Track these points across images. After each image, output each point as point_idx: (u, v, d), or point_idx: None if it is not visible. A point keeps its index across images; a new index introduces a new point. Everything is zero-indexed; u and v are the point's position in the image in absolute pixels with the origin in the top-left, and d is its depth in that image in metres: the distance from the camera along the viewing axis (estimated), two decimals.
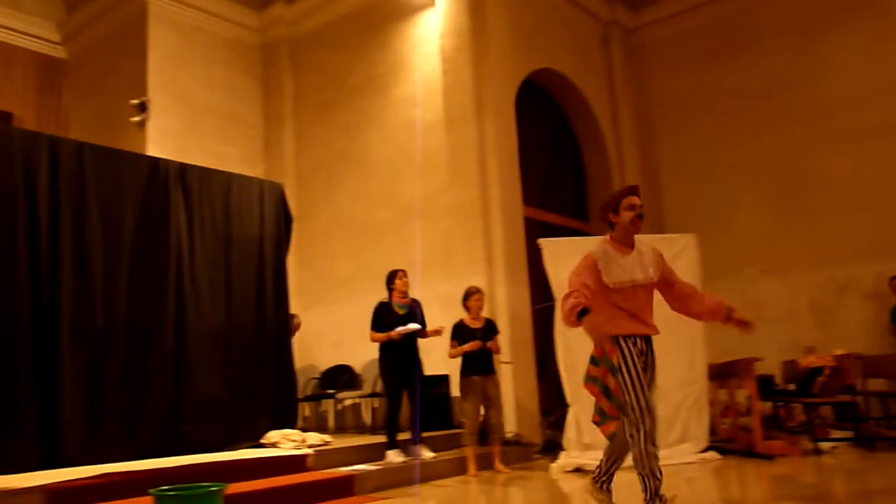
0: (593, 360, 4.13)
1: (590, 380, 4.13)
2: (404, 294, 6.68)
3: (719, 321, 4.23)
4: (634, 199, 4.08)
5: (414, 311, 6.68)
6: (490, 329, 6.81)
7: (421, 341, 6.70)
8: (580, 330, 7.44)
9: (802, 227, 9.68)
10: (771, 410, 8.32)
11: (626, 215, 4.06)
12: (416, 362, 6.64)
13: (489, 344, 6.63)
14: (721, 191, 10.41)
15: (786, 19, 10.07)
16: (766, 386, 8.02)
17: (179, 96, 9.38)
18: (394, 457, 6.25)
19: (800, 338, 9.19)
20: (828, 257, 9.38)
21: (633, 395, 3.86)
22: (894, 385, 8.28)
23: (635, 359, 3.95)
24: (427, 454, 6.45)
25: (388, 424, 6.42)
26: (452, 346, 6.67)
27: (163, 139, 8.97)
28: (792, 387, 7.87)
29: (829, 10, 9.73)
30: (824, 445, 6.94)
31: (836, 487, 5.14)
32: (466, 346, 6.54)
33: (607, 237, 4.20)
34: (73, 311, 5.60)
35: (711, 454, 6.73)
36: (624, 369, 3.92)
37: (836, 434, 7.50)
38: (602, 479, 4.21)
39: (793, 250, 9.69)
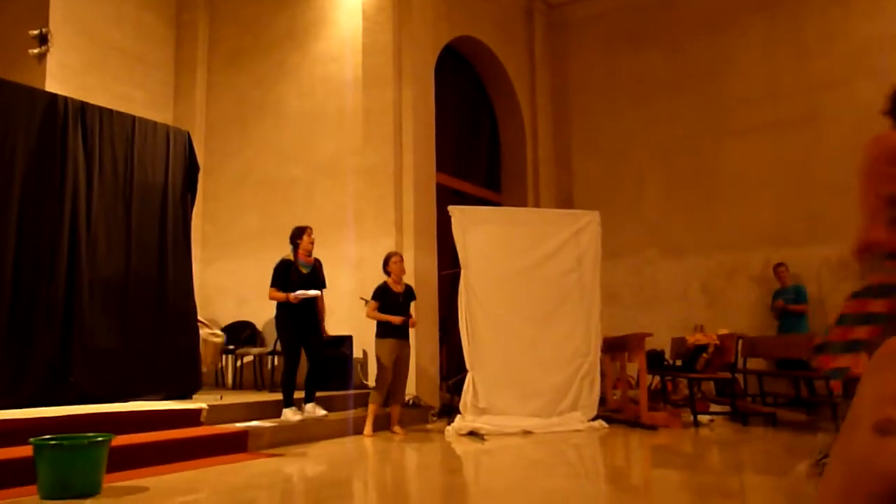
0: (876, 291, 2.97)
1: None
2: (309, 253, 6.62)
3: None
4: None
5: (317, 271, 6.64)
6: (409, 295, 6.94)
7: (326, 301, 6.70)
8: (483, 297, 7.57)
9: (700, 212, 10.15)
10: (659, 384, 8.77)
11: None
12: (315, 321, 6.61)
13: (411, 321, 6.80)
14: (629, 172, 10.76)
15: (700, 14, 10.45)
16: (655, 360, 8.44)
17: (84, 31, 8.88)
18: (290, 415, 6.24)
19: (691, 317, 9.71)
20: (721, 243, 9.90)
21: None
22: (772, 364, 8.86)
23: None
24: (319, 412, 6.45)
25: (285, 383, 6.40)
26: (372, 308, 6.72)
27: (64, 75, 8.49)
28: (679, 362, 8.30)
29: (733, 11, 10.17)
30: (703, 418, 7.37)
31: (710, 457, 5.49)
32: (391, 318, 6.67)
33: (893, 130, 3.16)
34: None
35: (599, 423, 7.04)
36: None
37: (715, 408, 7.99)
38: None
39: (690, 234, 10.17)
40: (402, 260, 6.96)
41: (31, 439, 3.80)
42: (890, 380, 0.93)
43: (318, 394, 6.52)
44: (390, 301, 6.76)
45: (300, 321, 6.43)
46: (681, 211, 10.29)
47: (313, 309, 6.56)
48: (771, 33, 9.89)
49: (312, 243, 6.61)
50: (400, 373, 6.77)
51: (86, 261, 6.11)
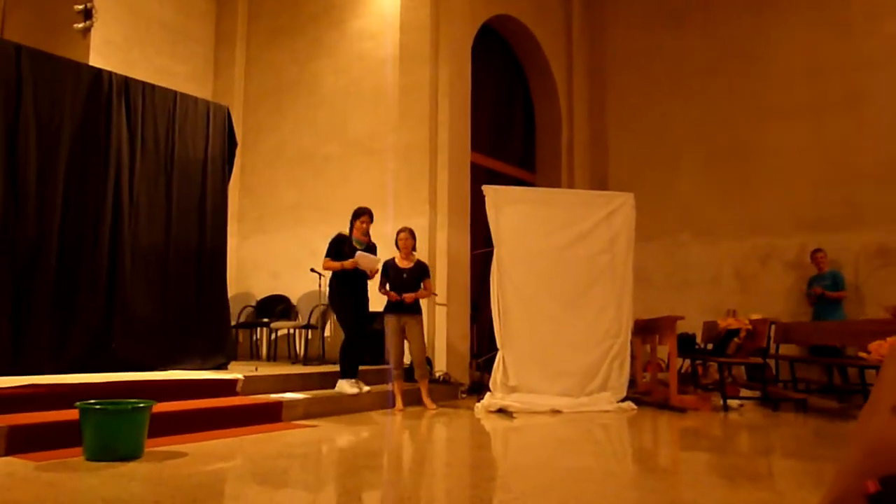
0: None
1: None
2: (364, 233, 6.80)
3: None
4: None
5: (370, 250, 6.78)
6: (420, 271, 6.93)
7: None
8: (515, 277, 7.61)
9: (735, 196, 10.05)
10: (689, 367, 8.75)
11: None
12: (366, 296, 6.78)
13: (406, 299, 6.72)
14: (664, 154, 10.67)
15: None
16: (686, 344, 8.42)
17: (128, 5, 9.02)
18: (347, 387, 6.39)
19: (723, 301, 9.64)
20: (756, 227, 9.80)
21: None
22: (805, 351, 8.78)
23: None
24: (364, 388, 6.61)
25: (344, 354, 6.55)
26: (381, 284, 6.82)
27: (107, 49, 8.65)
28: (710, 346, 8.26)
29: None
30: (733, 403, 7.36)
31: (739, 441, 5.49)
32: (390, 294, 6.75)
33: None
34: (3, 217, 5.47)
35: (628, 404, 7.07)
36: None
37: (745, 393, 7.95)
38: None
39: (724, 218, 10.08)
40: (410, 236, 6.93)
41: (78, 403, 3.95)
42: None
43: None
44: (396, 277, 6.80)
45: (356, 295, 6.58)
46: (715, 194, 10.20)
47: (366, 286, 6.72)
48: (813, 11, 9.68)
49: (364, 231, 6.78)
50: (412, 347, 6.84)
51: (128, 232, 6.28)
